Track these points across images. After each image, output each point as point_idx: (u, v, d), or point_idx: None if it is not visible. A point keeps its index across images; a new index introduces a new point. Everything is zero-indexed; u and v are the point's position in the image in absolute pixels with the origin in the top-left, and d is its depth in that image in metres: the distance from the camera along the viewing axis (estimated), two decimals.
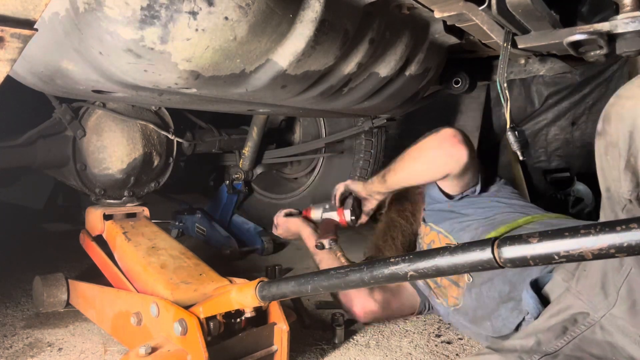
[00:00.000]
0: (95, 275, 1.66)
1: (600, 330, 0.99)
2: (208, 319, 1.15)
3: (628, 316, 0.95)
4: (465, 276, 1.39)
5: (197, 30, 0.93)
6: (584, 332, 1.01)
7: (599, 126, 0.95)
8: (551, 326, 1.06)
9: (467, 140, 1.42)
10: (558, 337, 1.04)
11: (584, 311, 1.02)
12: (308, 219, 1.80)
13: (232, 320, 1.21)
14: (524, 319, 1.23)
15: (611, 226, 0.66)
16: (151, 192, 2.02)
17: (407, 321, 1.66)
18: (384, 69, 1.40)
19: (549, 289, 1.16)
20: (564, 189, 3.27)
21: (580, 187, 3.22)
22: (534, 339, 1.06)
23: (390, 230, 1.74)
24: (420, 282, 1.61)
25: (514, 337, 1.14)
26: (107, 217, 1.72)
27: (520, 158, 1.29)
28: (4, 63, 0.68)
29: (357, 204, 1.71)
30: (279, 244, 2.58)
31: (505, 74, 1.26)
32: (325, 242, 1.62)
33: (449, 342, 1.51)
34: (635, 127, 0.87)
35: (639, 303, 0.94)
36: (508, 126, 1.25)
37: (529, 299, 1.16)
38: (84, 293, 1.59)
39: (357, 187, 1.72)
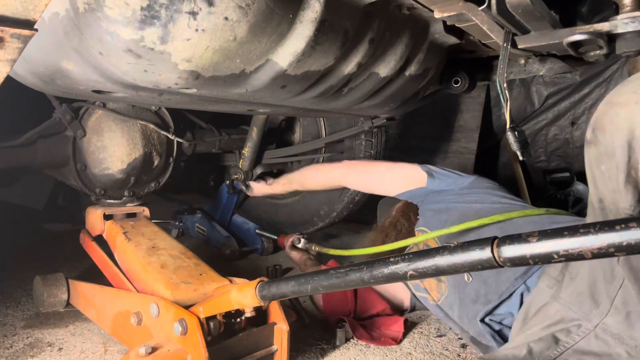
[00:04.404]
0: (95, 275, 1.66)
1: (595, 339, 0.98)
2: (208, 318, 1.15)
3: (623, 326, 0.94)
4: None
5: (197, 30, 0.93)
6: (578, 342, 0.99)
7: (589, 134, 0.91)
8: (542, 337, 1.04)
9: None
10: (550, 348, 1.02)
11: (577, 321, 1.00)
12: None
13: (232, 320, 1.21)
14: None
15: (610, 225, 0.66)
16: (151, 192, 2.02)
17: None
18: (384, 69, 1.40)
19: (532, 296, 1.13)
20: (563, 189, 3.27)
21: (580, 187, 3.22)
22: (525, 348, 1.05)
23: (389, 227, 1.76)
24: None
25: (505, 347, 1.12)
26: (107, 217, 1.72)
27: (520, 158, 1.29)
28: (4, 63, 0.68)
29: None
30: None
31: (505, 74, 1.26)
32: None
33: (449, 342, 1.51)
34: (634, 137, 0.82)
35: (634, 313, 0.92)
36: (508, 126, 1.25)
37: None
38: (84, 293, 1.59)
39: None
